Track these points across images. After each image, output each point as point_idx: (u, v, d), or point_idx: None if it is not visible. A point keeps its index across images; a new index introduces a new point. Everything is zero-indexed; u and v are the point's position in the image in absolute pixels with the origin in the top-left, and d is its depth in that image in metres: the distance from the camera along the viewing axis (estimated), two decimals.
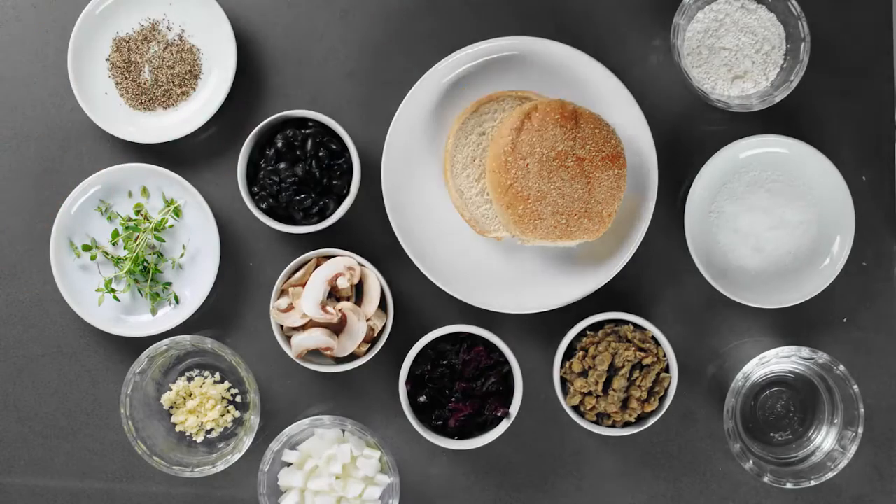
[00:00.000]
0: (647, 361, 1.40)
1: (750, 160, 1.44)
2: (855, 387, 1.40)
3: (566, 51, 1.42)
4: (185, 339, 1.43)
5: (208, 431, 1.48)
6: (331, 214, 1.43)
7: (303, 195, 1.42)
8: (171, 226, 1.47)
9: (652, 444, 1.48)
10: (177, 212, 1.47)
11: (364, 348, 1.43)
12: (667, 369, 1.42)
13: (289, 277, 1.43)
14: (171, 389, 1.48)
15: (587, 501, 1.48)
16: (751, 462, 1.40)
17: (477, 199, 1.43)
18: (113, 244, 1.48)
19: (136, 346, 1.46)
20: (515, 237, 1.40)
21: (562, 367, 1.42)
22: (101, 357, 1.49)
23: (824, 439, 1.45)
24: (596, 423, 1.42)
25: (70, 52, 1.46)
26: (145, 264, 1.46)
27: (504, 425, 1.42)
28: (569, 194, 1.36)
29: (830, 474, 1.40)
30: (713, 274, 1.42)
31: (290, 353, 1.42)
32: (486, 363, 1.42)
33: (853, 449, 1.40)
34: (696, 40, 1.44)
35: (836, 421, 1.44)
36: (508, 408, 1.42)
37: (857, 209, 1.43)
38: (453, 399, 1.42)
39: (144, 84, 1.49)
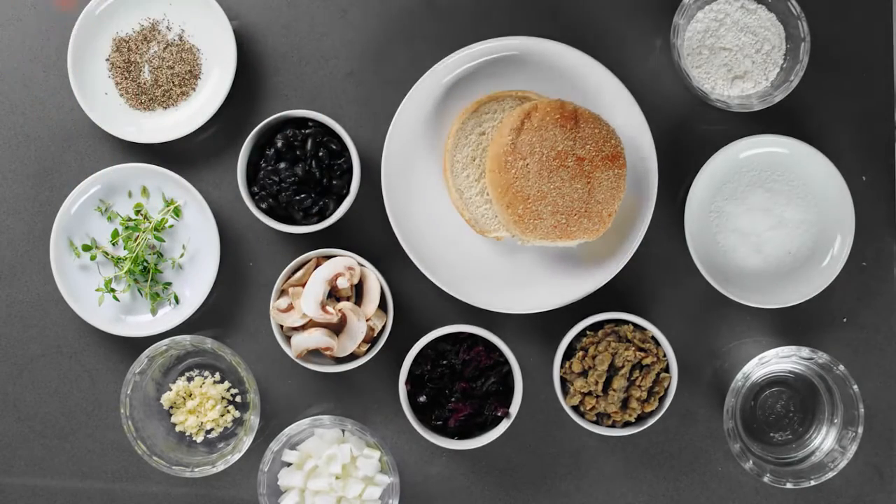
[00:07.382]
0: (647, 361, 1.40)
1: (750, 160, 1.44)
2: (855, 387, 1.40)
3: (566, 51, 1.42)
4: (185, 339, 1.43)
5: (208, 431, 1.48)
6: (331, 214, 1.43)
7: (303, 195, 1.42)
8: (171, 226, 1.47)
9: (652, 444, 1.48)
10: (177, 212, 1.47)
11: (364, 348, 1.43)
12: (667, 369, 1.42)
13: (289, 277, 1.43)
14: (170, 389, 1.48)
15: (587, 501, 1.48)
16: (751, 462, 1.40)
17: (477, 199, 1.43)
18: (113, 244, 1.48)
19: (136, 346, 1.46)
20: (515, 237, 1.40)
21: (562, 367, 1.42)
22: (101, 357, 1.49)
23: (824, 439, 1.45)
24: (596, 423, 1.42)
25: (70, 52, 1.46)
26: (145, 264, 1.46)
27: (504, 425, 1.42)
28: (569, 194, 1.36)
29: (830, 474, 1.40)
30: (713, 274, 1.42)
31: (290, 353, 1.42)
32: (486, 363, 1.42)
33: (853, 449, 1.40)
34: (696, 40, 1.44)
35: (835, 421, 1.44)
36: (508, 408, 1.42)
37: (857, 209, 1.42)
38: (453, 399, 1.42)
39: (144, 84, 1.49)
